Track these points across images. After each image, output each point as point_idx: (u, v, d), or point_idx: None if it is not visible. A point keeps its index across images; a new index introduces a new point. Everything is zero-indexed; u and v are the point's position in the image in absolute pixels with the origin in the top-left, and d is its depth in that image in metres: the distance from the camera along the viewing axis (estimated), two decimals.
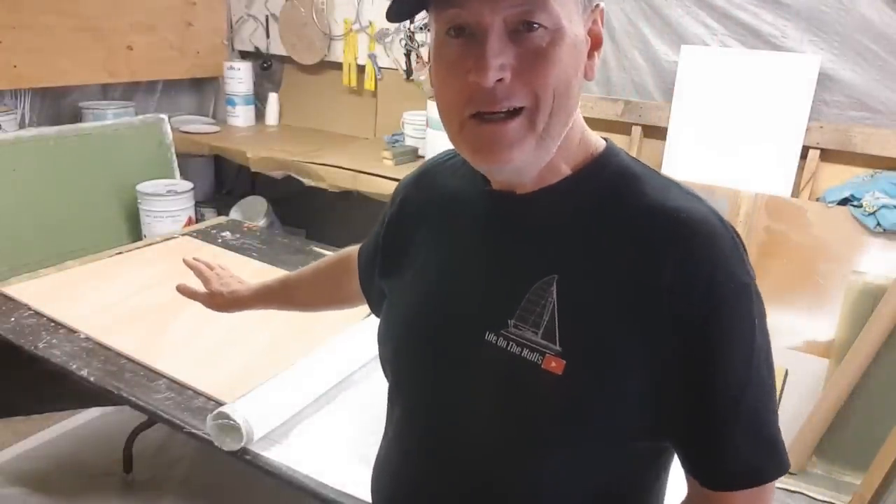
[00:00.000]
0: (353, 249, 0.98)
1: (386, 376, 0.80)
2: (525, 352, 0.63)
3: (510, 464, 0.66)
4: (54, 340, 1.44)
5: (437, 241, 0.76)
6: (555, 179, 0.66)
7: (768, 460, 0.62)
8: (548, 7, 0.57)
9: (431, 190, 0.79)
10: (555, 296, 0.63)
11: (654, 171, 0.68)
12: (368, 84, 3.03)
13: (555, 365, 0.61)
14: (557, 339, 0.62)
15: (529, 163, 0.62)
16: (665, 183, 0.65)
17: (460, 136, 0.62)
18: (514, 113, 0.59)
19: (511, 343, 0.64)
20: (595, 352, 0.61)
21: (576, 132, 0.66)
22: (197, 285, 1.16)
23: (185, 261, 1.17)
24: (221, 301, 1.12)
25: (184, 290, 1.15)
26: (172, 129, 2.79)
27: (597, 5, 0.64)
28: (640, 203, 0.63)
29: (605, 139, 0.70)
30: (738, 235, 0.63)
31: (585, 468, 0.65)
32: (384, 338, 0.79)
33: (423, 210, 0.79)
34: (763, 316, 0.62)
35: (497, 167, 0.63)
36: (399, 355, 0.77)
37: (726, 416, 0.61)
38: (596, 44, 0.64)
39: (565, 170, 0.66)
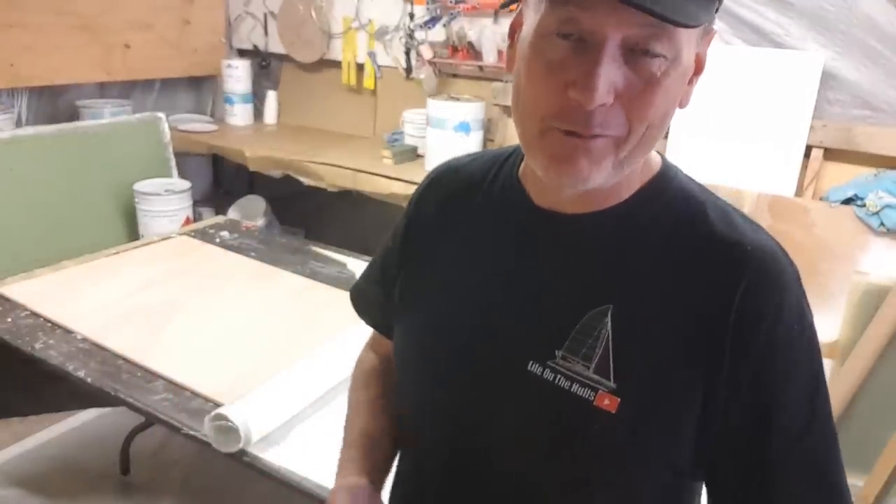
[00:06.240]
0: (370, 357, 0.88)
1: (397, 395, 0.73)
2: (575, 387, 0.59)
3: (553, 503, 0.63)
4: (51, 341, 1.43)
5: (463, 252, 0.69)
6: (613, 202, 0.62)
7: None
8: (675, 36, 0.52)
9: (454, 196, 0.72)
10: (609, 328, 0.59)
11: (711, 192, 0.64)
12: (368, 82, 3.02)
13: (608, 402, 0.58)
14: (612, 374, 0.58)
15: (599, 184, 0.58)
16: (726, 209, 0.63)
17: (539, 141, 0.57)
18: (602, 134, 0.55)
19: (559, 377, 0.60)
20: (652, 388, 0.58)
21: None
22: None
23: None
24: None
25: None
26: (170, 127, 2.77)
27: (712, 29, 0.59)
28: (705, 232, 0.60)
29: (660, 155, 0.66)
30: (797, 269, 0.61)
31: (632, 502, 0.63)
32: (400, 356, 0.73)
33: (445, 215, 0.72)
34: (821, 357, 0.60)
35: (571, 181, 0.57)
36: (414, 380, 0.70)
37: (787, 455, 0.58)
38: (698, 70, 0.59)
39: (625, 192, 0.62)
